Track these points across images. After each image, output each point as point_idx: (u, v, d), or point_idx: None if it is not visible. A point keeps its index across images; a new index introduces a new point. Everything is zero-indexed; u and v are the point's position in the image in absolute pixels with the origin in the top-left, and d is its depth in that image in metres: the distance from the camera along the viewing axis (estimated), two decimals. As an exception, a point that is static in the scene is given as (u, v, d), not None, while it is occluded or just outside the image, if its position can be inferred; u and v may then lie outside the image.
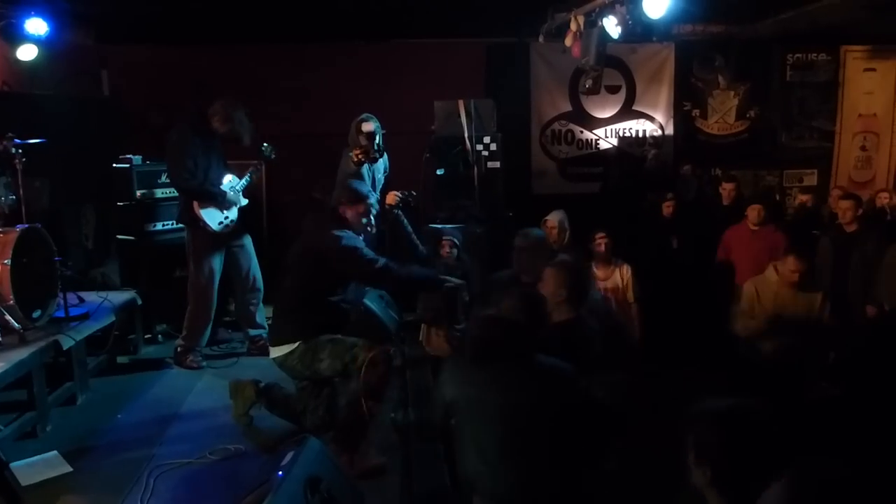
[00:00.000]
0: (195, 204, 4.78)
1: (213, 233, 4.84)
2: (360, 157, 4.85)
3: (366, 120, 5.11)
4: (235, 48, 6.88)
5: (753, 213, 5.44)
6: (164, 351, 5.27)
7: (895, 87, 8.03)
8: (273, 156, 5.25)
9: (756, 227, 5.44)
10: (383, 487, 3.26)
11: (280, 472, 2.53)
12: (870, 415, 3.78)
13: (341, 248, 3.50)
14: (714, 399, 1.81)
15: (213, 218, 4.84)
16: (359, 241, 3.62)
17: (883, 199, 6.32)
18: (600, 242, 5.00)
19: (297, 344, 3.52)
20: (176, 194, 5.10)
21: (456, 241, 4.95)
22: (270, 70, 6.98)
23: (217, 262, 4.95)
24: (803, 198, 7.05)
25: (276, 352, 3.60)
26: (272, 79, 6.97)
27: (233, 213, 4.98)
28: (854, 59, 7.98)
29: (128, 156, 5.50)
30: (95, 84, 6.90)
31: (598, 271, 5.00)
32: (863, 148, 8.10)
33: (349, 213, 3.68)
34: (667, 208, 6.03)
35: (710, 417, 1.77)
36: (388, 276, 3.55)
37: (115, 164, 5.53)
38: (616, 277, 4.98)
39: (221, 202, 4.87)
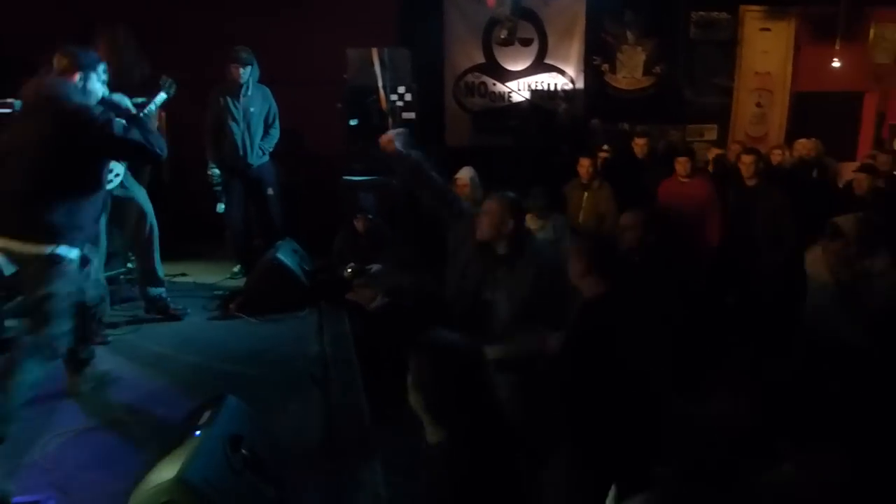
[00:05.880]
0: None
1: None
2: None
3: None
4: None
5: (680, 165, 5.54)
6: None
7: (786, 47, 8.43)
8: (173, 90, 4.85)
9: (685, 180, 5.57)
10: (307, 441, 3.21)
11: (197, 432, 2.42)
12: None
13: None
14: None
15: None
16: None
17: (777, 157, 6.67)
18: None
19: None
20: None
21: (370, 216, 5.20)
22: (171, 10, 6.49)
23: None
24: (718, 151, 7.16)
25: None
26: (173, 20, 6.49)
27: (119, 168, 4.55)
28: (751, 19, 8.30)
29: (8, 100, 4.99)
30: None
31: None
32: (758, 104, 8.49)
33: None
34: (601, 160, 6.14)
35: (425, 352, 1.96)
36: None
37: (-5, 109, 5.03)
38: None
39: None
